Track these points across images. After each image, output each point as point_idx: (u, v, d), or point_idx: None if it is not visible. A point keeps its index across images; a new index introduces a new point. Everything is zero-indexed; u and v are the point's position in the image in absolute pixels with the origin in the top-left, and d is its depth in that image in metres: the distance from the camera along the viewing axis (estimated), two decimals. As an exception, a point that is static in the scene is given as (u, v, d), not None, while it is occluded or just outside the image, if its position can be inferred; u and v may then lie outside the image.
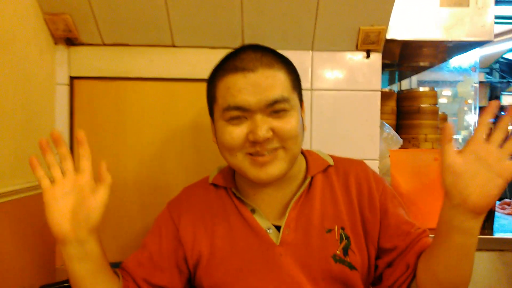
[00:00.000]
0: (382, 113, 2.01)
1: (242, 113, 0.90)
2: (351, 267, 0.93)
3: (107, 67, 1.47)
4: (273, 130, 0.90)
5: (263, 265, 0.94)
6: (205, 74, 1.46)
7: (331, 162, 1.05)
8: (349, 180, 1.02)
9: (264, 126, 0.88)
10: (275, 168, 0.92)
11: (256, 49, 0.93)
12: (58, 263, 1.49)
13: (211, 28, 1.42)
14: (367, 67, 1.51)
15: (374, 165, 1.53)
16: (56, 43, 1.45)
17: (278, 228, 0.98)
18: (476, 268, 1.41)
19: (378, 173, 1.58)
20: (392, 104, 2.09)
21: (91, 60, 1.47)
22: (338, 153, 1.11)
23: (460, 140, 3.08)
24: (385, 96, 2.05)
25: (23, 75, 1.27)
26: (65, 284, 1.37)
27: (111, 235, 1.51)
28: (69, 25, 1.37)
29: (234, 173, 1.06)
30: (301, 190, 0.99)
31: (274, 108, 0.90)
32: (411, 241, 0.94)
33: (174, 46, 1.47)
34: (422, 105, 2.05)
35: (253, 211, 1.00)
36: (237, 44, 1.46)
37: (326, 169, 1.04)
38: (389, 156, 1.68)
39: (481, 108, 8.91)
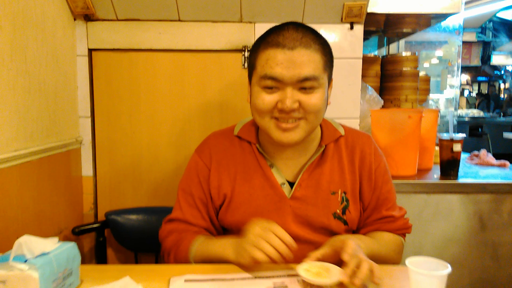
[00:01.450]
0: (367, 76, 2.22)
1: (275, 83, 1.01)
2: (345, 223, 1.14)
3: (121, 39, 1.66)
4: (299, 102, 1.02)
5: (274, 212, 1.11)
6: (208, 45, 1.67)
7: (342, 132, 1.18)
8: (355, 152, 1.16)
9: (292, 98, 1.00)
10: (295, 134, 1.05)
11: (298, 28, 1.02)
12: (85, 209, 1.74)
13: (213, 4, 1.59)
14: (350, 37, 1.70)
15: (355, 124, 1.75)
16: (75, 19, 1.63)
17: (290, 184, 1.13)
18: (444, 208, 1.69)
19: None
20: (376, 68, 2.28)
21: (106, 34, 1.65)
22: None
23: (443, 100, 3.25)
24: (370, 61, 2.24)
25: (52, 48, 1.46)
26: (92, 226, 1.63)
27: (131, 186, 1.75)
28: (87, 3, 1.55)
29: (257, 129, 1.18)
30: (315, 156, 1.13)
31: (304, 84, 1.01)
32: (378, 218, 1.16)
33: (180, 20, 1.66)
34: (404, 69, 2.24)
35: (271, 166, 1.14)
36: (236, 18, 1.65)
37: (338, 139, 1.17)
38: (370, 116, 1.89)
39: (470, 68, 8.95)
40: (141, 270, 0.99)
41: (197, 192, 1.18)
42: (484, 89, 9.65)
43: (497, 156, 2.20)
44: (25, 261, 0.77)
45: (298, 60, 0.99)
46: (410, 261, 0.80)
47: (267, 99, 1.03)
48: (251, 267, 0.97)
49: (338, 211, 1.13)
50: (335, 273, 0.88)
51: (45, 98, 1.42)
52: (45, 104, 1.42)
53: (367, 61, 2.17)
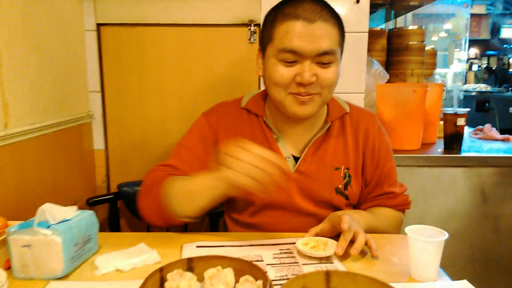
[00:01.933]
0: (373, 50, 2.22)
1: (294, 57, 1.00)
2: (347, 198, 1.17)
3: (128, 14, 1.68)
4: (317, 76, 1.01)
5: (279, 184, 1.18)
6: (214, 20, 1.68)
7: (347, 109, 1.19)
8: (360, 129, 1.17)
9: (310, 71, 1.00)
10: (310, 108, 1.05)
11: (315, 1, 1.01)
12: (97, 181, 1.81)
13: (219, -22, 1.60)
14: (356, 11, 1.70)
15: (360, 98, 1.78)
16: (83, -7, 1.65)
17: (295, 159, 1.15)
18: (447, 182, 1.73)
19: (364, 105, 1.83)
20: (382, 42, 2.27)
21: (114, 8, 1.67)
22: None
23: (451, 75, 3.25)
24: (376, 35, 2.23)
25: (61, 23, 1.49)
26: (105, 197, 1.69)
27: (142, 159, 1.80)
28: (94, -22, 1.56)
29: (264, 102, 1.19)
30: (321, 132, 1.14)
31: (322, 59, 1.00)
32: (379, 195, 1.20)
33: (186, -6, 1.67)
34: (410, 43, 2.23)
35: (277, 139, 1.15)
36: (241, -8, 1.65)
37: (343, 116, 1.18)
38: (376, 90, 1.91)
39: (479, 41, 8.78)
40: (155, 237, 1.05)
41: (196, 150, 1.15)
42: (493, 63, 9.51)
43: (504, 131, 2.21)
44: (48, 226, 0.82)
45: (318, 34, 0.98)
46: (410, 229, 0.84)
47: (285, 72, 1.02)
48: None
49: (340, 186, 1.15)
50: (331, 247, 0.93)
51: (57, 73, 1.45)
52: (57, 79, 1.45)
53: (373, 35, 2.16)
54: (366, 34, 1.73)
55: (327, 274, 0.68)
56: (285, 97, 1.05)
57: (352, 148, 1.17)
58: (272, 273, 0.85)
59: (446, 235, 0.81)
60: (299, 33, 0.98)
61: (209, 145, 1.16)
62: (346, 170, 1.16)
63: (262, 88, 1.75)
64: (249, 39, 1.72)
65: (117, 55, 1.72)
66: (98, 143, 1.77)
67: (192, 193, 0.97)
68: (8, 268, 0.85)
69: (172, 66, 1.74)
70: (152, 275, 0.67)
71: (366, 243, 0.94)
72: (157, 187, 1.03)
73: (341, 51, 1.08)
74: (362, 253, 0.95)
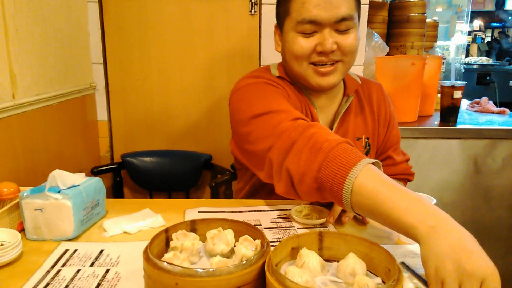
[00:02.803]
0: (374, 22, 2.22)
1: (313, 27, 1.01)
2: None
3: (130, -15, 1.68)
4: (337, 44, 1.02)
5: None
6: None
7: (359, 82, 1.21)
8: (373, 100, 1.21)
9: (331, 39, 1.00)
10: (333, 77, 1.06)
11: None
12: (101, 151, 1.86)
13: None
14: (357, -17, 1.70)
15: (359, 71, 1.80)
16: (84, -36, 1.65)
17: None
18: (441, 153, 1.77)
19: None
20: (384, 14, 2.27)
21: (115, -21, 1.67)
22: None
23: (454, 47, 3.24)
24: (377, 6, 2.23)
25: (63, -4, 1.50)
26: (110, 167, 1.75)
27: (144, 130, 1.84)
28: None
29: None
30: (347, 105, 1.16)
31: (340, 26, 1.01)
32: (382, 159, 1.23)
33: (187, -35, 1.66)
34: (411, 15, 2.23)
35: (317, 110, 1.14)
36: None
37: (357, 89, 1.20)
38: (375, 63, 1.93)
39: (484, 13, 8.60)
40: (159, 203, 1.10)
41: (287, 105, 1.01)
42: (498, 35, 9.39)
43: (503, 105, 2.24)
44: (59, 191, 0.87)
45: (334, 1, 0.99)
46: (400, 195, 0.89)
47: (305, 44, 1.03)
48: None
49: None
50: (324, 215, 0.98)
51: (61, 44, 1.47)
52: (61, 51, 1.48)
53: (374, 7, 2.16)
54: (366, 6, 1.73)
55: (320, 234, 0.73)
56: (306, 69, 1.06)
57: (369, 118, 1.20)
58: (269, 236, 0.91)
59: (434, 200, 0.86)
60: (316, 2, 0.99)
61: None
62: (366, 140, 1.20)
63: (263, 61, 1.78)
64: (250, 11, 1.73)
65: (119, 27, 1.74)
66: (102, 114, 1.81)
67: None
68: (21, 230, 0.90)
69: (174, 37, 1.75)
70: (158, 235, 0.72)
71: None
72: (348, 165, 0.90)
73: (359, 16, 1.08)
74: (354, 219, 1.00)
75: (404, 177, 1.28)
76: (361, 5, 1.71)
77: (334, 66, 1.05)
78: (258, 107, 0.98)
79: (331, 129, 1.17)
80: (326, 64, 1.04)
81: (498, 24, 9.19)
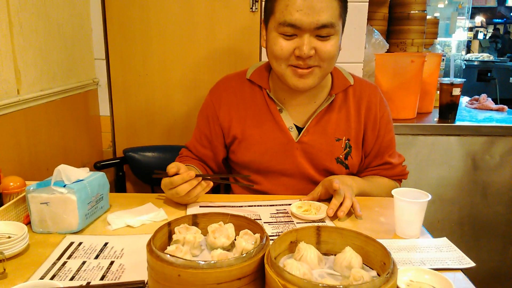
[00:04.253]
0: (374, 19, 2.23)
1: (294, 30, 1.03)
2: (346, 167, 1.23)
3: (132, -19, 1.69)
4: (315, 49, 1.04)
5: (282, 153, 1.19)
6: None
7: (351, 82, 1.22)
8: (362, 102, 1.21)
9: (309, 45, 1.03)
10: (310, 80, 1.09)
11: None
12: (104, 146, 1.88)
13: None
14: (358, -20, 1.71)
15: (358, 68, 1.81)
16: (87, -40, 1.66)
17: (298, 129, 1.19)
18: (440, 150, 1.80)
19: (363, 75, 1.87)
20: (384, 11, 2.27)
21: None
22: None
23: (455, 44, 3.24)
24: (378, 3, 2.23)
25: (67, -8, 1.51)
26: (112, 162, 1.77)
27: (146, 126, 1.87)
28: None
29: (269, 74, 1.22)
30: (325, 105, 1.18)
31: (321, 32, 1.03)
32: (379, 164, 1.25)
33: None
34: (412, 12, 2.24)
35: (280, 110, 1.19)
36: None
37: (347, 88, 1.21)
38: (375, 60, 1.94)
39: (486, 9, 8.57)
40: (161, 198, 1.13)
41: (204, 129, 1.27)
42: (500, 31, 9.36)
43: (504, 101, 2.25)
44: (64, 186, 0.90)
45: (317, 7, 1.00)
46: (396, 191, 0.91)
47: (285, 45, 1.05)
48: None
49: (341, 156, 1.21)
50: (322, 211, 1.01)
51: (64, 40, 1.49)
52: (64, 46, 1.50)
53: (374, 4, 2.16)
54: (366, 4, 1.74)
55: (318, 229, 0.75)
56: (285, 70, 1.09)
57: (354, 119, 1.21)
58: (268, 230, 0.94)
59: (429, 196, 0.89)
60: (299, 6, 1.01)
61: (215, 123, 1.25)
62: (347, 141, 1.21)
63: (264, 57, 1.80)
64: (251, 8, 1.74)
65: (121, 23, 1.75)
66: (104, 109, 1.83)
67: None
68: (28, 223, 0.93)
69: (175, 33, 1.77)
70: (161, 228, 0.75)
71: (352, 206, 1.02)
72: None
73: (343, 23, 1.10)
74: (349, 214, 1.03)
75: (400, 178, 1.31)
76: (360, 3, 1.75)
77: (312, 70, 1.08)
78: None
79: (303, 127, 1.19)
80: (304, 68, 1.08)
81: (500, 20, 9.17)
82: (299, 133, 1.19)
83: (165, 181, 1.04)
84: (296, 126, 1.21)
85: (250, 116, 1.22)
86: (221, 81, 1.30)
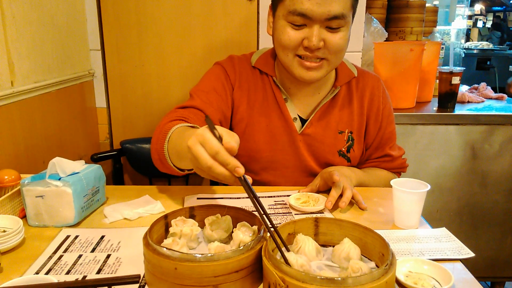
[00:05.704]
0: (373, 7, 2.20)
1: (303, 20, 0.99)
2: (348, 160, 1.22)
3: (127, -30, 1.67)
4: (324, 41, 1.01)
5: (285, 143, 1.17)
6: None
7: (355, 73, 1.20)
8: (365, 94, 1.19)
9: (318, 36, 0.99)
10: (317, 73, 1.06)
11: None
12: (101, 138, 1.86)
13: None
14: (356, -32, 1.68)
15: (357, 57, 1.79)
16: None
17: (301, 120, 1.18)
18: (439, 139, 1.79)
19: (362, 64, 1.85)
20: (383, -1, 2.25)
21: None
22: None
23: (454, 32, 3.21)
24: (376, -9, 2.21)
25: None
26: (109, 154, 1.76)
27: (143, 117, 1.85)
28: None
29: (274, 62, 1.19)
30: (330, 97, 1.16)
31: (331, 23, 0.99)
32: (379, 156, 1.24)
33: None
34: (411, 0, 2.22)
35: (286, 100, 1.16)
36: None
37: (350, 80, 1.19)
38: (374, 49, 1.92)
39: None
40: (158, 190, 1.12)
41: (217, 90, 1.13)
42: (500, 19, 9.30)
43: (503, 90, 2.24)
44: (59, 179, 0.89)
45: None
46: (395, 181, 0.90)
47: (293, 35, 1.02)
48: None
49: (343, 149, 1.20)
50: (321, 203, 1.00)
51: (58, 31, 1.47)
52: (58, 37, 1.47)
53: (373, -9, 2.14)
54: (365, -8, 1.72)
55: (316, 220, 0.74)
56: (292, 60, 1.06)
57: (357, 112, 1.19)
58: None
59: (428, 186, 0.88)
60: None
61: (227, 93, 1.16)
62: (349, 134, 1.20)
63: (261, 46, 1.77)
64: (248, -3, 1.71)
65: (116, 13, 1.73)
66: (100, 101, 1.81)
67: (180, 154, 0.86)
68: (23, 216, 0.92)
69: (171, 24, 1.74)
70: (158, 221, 0.74)
71: (353, 198, 1.01)
72: (163, 136, 0.94)
73: (353, 14, 1.06)
74: (350, 204, 1.02)
75: (399, 171, 1.30)
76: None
77: (320, 63, 1.05)
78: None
79: (307, 119, 1.17)
80: (311, 59, 1.04)
81: (499, 8, 9.11)
82: (302, 125, 1.18)
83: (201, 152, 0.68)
84: (300, 117, 1.19)
85: (259, 102, 1.18)
86: (231, 58, 1.22)
